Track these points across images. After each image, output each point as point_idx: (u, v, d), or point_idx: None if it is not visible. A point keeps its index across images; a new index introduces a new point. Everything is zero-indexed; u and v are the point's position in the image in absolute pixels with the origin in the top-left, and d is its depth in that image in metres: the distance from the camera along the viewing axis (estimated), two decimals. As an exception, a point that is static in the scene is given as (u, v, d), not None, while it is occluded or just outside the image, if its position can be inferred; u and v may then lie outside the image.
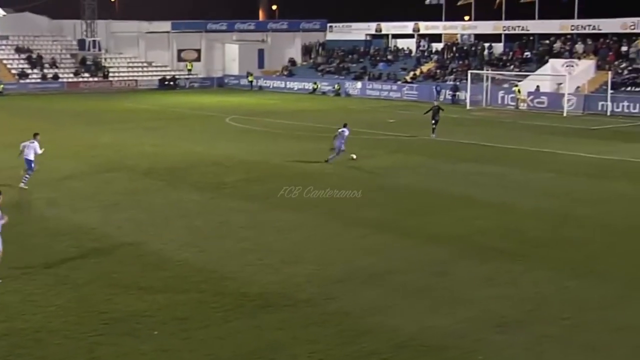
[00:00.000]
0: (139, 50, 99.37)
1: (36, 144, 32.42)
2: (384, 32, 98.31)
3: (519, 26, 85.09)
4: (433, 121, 48.52)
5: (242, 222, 26.40)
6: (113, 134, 49.89)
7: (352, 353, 15.56)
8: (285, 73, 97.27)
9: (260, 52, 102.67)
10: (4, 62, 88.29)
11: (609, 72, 68.37)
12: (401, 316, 17.62)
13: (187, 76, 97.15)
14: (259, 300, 18.69)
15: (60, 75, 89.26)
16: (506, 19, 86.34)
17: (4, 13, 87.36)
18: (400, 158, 39.52)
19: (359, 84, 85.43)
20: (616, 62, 73.67)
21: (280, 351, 15.66)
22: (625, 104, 65.09)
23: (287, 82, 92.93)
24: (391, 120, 59.03)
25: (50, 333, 16.57)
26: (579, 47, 77.89)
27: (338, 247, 23.40)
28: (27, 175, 32.13)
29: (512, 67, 79.34)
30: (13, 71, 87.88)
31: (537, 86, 70.61)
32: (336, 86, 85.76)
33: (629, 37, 77.38)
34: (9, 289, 19.36)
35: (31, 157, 32.16)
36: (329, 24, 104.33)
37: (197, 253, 22.68)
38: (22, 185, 31.85)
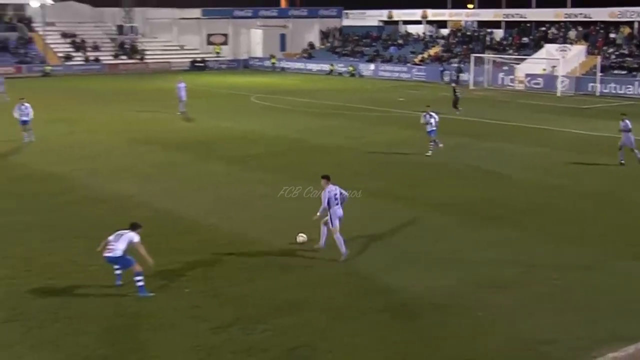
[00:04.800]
0: (172, 34, 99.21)
1: (433, 114, 33.73)
2: (395, 18, 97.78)
3: (517, 14, 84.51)
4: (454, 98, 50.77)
5: (263, 191, 26.49)
6: (148, 110, 49.98)
7: (363, 309, 15.67)
8: (305, 55, 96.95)
9: (282, 37, 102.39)
10: (51, 46, 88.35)
11: (598, 57, 67.83)
12: (407, 277, 17.71)
13: (215, 58, 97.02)
14: (280, 262, 18.82)
15: (101, 58, 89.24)
16: (506, 7, 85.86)
17: (52, 2, 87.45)
18: (409, 134, 39.38)
19: (371, 66, 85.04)
20: (605, 48, 73.00)
21: (300, 307, 15.80)
22: (613, 85, 64.60)
23: (307, 64, 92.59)
24: (401, 99, 58.84)
25: (93, 290, 16.76)
26: (572, 33, 77.19)
27: (351, 214, 23.42)
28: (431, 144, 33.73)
29: (510, 51, 78.75)
30: (59, 54, 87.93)
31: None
32: (351, 68, 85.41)
33: (616, 25, 76.75)
34: (55, 251, 19.58)
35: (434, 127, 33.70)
36: (345, 11, 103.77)
37: (224, 219, 22.80)
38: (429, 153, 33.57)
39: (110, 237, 16.55)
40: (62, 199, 25.56)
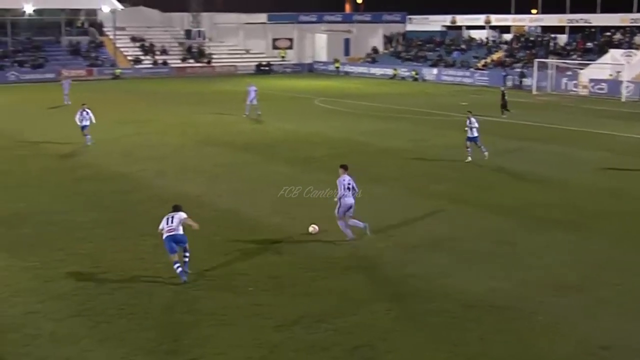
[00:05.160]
0: (239, 39, 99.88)
1: (473, 119, 32.43)
2: (458, 23, 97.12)
3: (582, 19, 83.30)
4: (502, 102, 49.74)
5: (328, 193, 26.41)
6: (215, 113, 50.39)
7: (424, 311, 15.58)
8: (369, 60, 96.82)
9: (346, 41, 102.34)
10: (121, 50, 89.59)
11: (665, 62, 66.79)
12: (469, 279, 17.56)
13: (280, 62, 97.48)
14: (343, 262, 18.80)
15: (169, 62, 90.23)
16: (571, 12, 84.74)
17: (122, 7, 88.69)
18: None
19: (434, 70, 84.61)
20: (671, 52, 71.77)
21: (361, 307, 15.76)
22: (679, 90, 63.55)
23: (370, 68, 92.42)
24: (464, 103, 58.29)
25: (158, 286, 16.94)
26: (638, 38, 75.86)
27: (413, 216, 23.36)
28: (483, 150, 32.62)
29: (575, 56, 77.70)
30: (129, 58, 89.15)
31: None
32: (414, 72, 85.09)
33: (685, 30, 75.41)
34: (122, 249, 19.83)
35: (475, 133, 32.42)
36: (408, 16, 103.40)
37: (288, 219, 22.85)
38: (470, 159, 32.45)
39: (164, 223, 17.53)
40: (130, 198, 25.88)
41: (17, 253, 19.52)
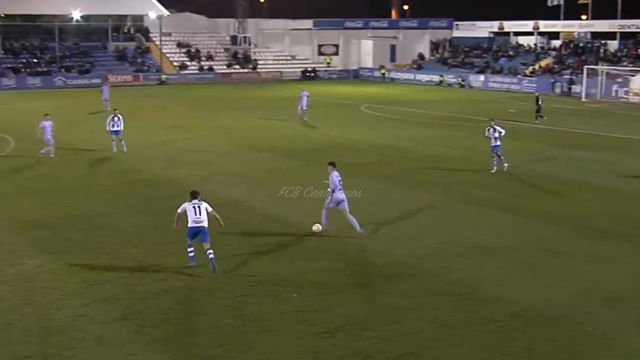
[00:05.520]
0: (284, 45, 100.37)
1: (498, 128, 31.58)
2: (506, 29, 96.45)
3: (633, 24, 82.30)
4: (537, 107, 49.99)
5: (373, 199, 26.45)
6: (260, 118, 50.59)
7: (470, 320, 15.49)
8: (415, 66, 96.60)
9: (392, 48, 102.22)
10: (167, 55, 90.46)
11: None
12: (515, 288, 17.43)
13: (326, 68, 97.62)
14: (387, 270, 18.77)
15: (215, 67, 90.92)
16: (621, 18, 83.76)
17: (168, 13, 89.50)
18: (519, 145, 38.70)
19: (481, 77, 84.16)
20: None
21: (406, 315, 15.71)
22: None
23: (416, 75, 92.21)
24: (511, 110, 57.95)
25: (203, 292, 17.05)
26: (691, 44, 75.09)
27: (459, 223, 23.24)
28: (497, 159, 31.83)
29: (625, 62, 76.84)
30: (174, 63, 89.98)
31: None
32: (460, 79, 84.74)
33: None
34: (167, 253, 19.96)
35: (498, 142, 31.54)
36: (455, 22, 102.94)
37: (333, 225, 22.79)
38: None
39: (191, 213, 18.41)
40: (176, 202, 25.67)
41: (64, 256, 19.77)
